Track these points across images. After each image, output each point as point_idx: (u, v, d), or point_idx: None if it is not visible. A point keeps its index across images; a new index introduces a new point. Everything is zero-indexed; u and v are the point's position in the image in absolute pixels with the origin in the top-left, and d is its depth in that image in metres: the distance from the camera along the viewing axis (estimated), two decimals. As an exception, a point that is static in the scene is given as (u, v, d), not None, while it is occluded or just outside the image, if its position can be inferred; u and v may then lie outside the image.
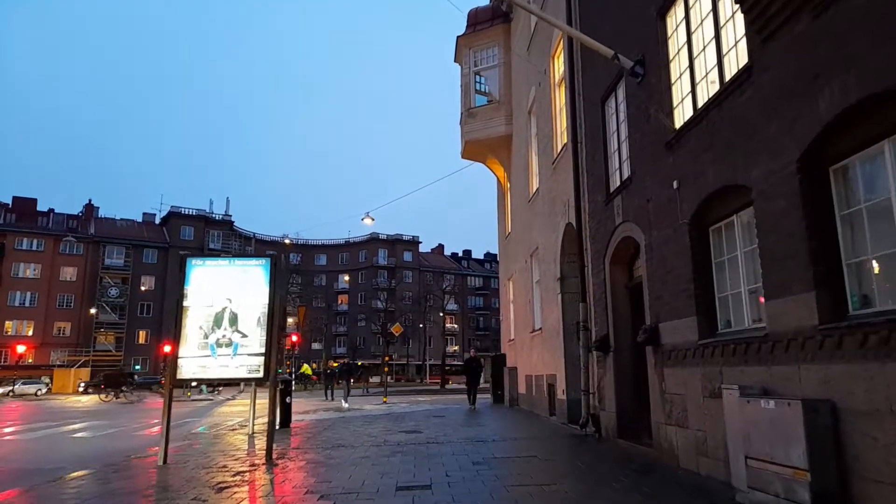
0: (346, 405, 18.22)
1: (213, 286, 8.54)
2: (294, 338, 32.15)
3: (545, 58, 13.31)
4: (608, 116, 9.34)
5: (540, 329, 14.03)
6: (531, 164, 15.23)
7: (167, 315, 66.88)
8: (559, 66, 12.48)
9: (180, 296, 8.33)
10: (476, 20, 18.58)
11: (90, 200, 70.89)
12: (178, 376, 8.16)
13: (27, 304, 60.34)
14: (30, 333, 59.58)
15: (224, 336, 8.56)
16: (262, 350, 8.41)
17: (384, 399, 22.30)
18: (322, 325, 69.62)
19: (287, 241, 34.81)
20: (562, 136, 12.24)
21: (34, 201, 67.57)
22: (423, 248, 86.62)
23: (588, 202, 10.10)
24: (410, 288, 78.25)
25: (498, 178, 20.32)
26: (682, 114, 6.72)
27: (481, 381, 18.25)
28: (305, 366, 30.91)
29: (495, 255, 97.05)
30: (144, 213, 72.36)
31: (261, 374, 8.42)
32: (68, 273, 62.88)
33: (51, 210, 68.68)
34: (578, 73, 10.51)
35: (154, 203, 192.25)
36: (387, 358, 23.65)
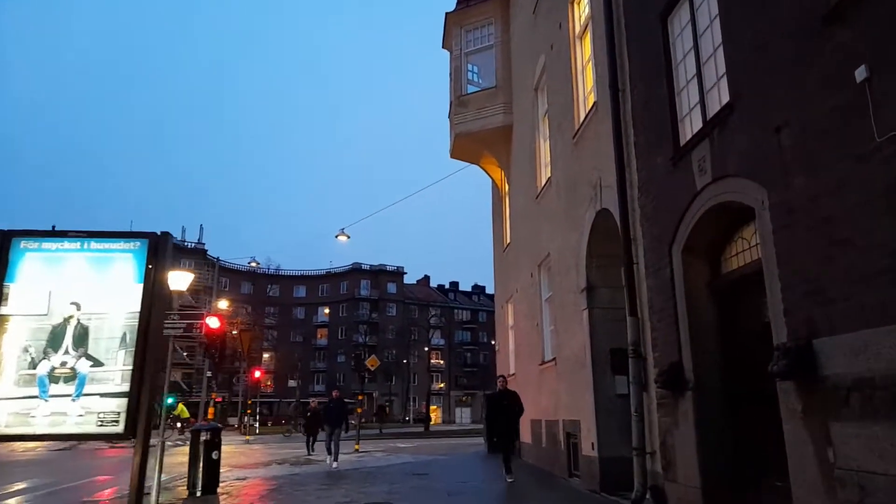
0: (335, 465, 13.02)
1: (52, 284, 5.20)
2: (257, 373, 28.54)
3: (560, 10, 10.39)
4: (674, 37, 6.31)
5: (553, 360, 10.77)
6: (539, 153, 12.18)
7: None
8: (581, 9, 9.54)
9: (-14, 294, 5.01)
10: (469, -6, 15.76)
11: (54, 227, 66.53)
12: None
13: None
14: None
15: (63, 364, 5.19)
16: (125, 388, 5.06)
17: (356, 446, 18.69)
18: (297, 362, 65.38)
19: (254, 262, 31.51)
20: (587, 100, 9.22)
21: (-7, 227, 63.42)
22: (408, 280, 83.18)
23: (638, 170, 7.00)
24: (394, 321, 74.47)
25: (493, 182, 17.25)
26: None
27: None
28: (182, 406, 26.34)
29: (483, 287, 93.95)
30: (113, 241, 68.36)
31: (120, 428, 5.03)
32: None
33: (12, 236, 64.56)
34: (618, -3, 7.55)
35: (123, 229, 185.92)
36: (360, 396, 20.06)
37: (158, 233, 5.20)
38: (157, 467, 8.59)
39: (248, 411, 29.47)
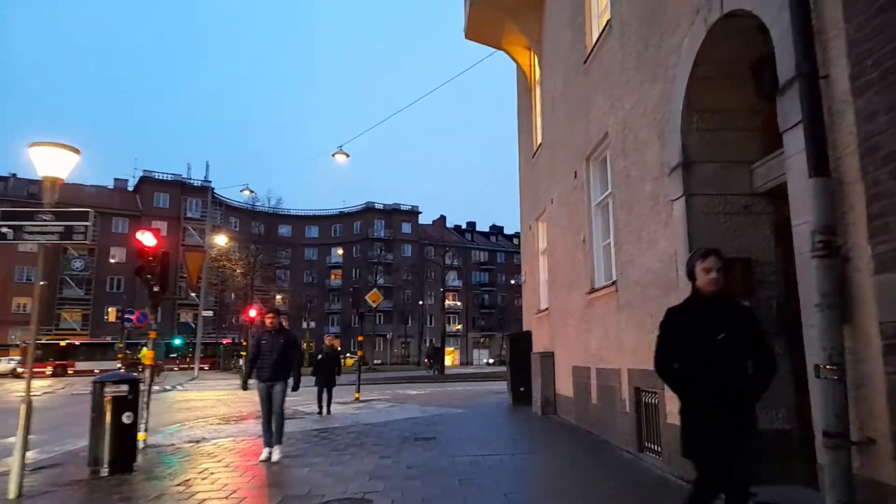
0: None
1: None
2: (252, 312, 25.81)
3: None
4: None
5: (612, 285, 7.55)
6: (590, -3, 8.62)
7: (140, 290, 60.98)
8: None
9: None
10: None
11: (55, 164, 63.93)
12: None
13: (-20, 278, 54.06)
14: (-15, 311, 53.52)
15: None
16: None
17: (356, 395, 15.92)
18: (306, 302, 63.23)
19: (248, 190, 28.36)
20: None
21: (-9, 164, 61.02)
22: (423, 220, 79.96)
23: None
24: (409, 262, 71.69)
25: (519, 69, 13.62)
26: None
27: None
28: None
29: (501, 227, 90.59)
30: (116, 179, 65.88)
31: None
32: (28, 244, 56.45)
33: (12, 175, 62.13)
34: None
35: (127, 168, 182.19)
36: (360, 338, 17.17)
37: None
38: (20, 430, 5.67)
39: (243, 353, 27.00)
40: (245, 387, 9.75)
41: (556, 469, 6.39)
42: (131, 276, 58.63)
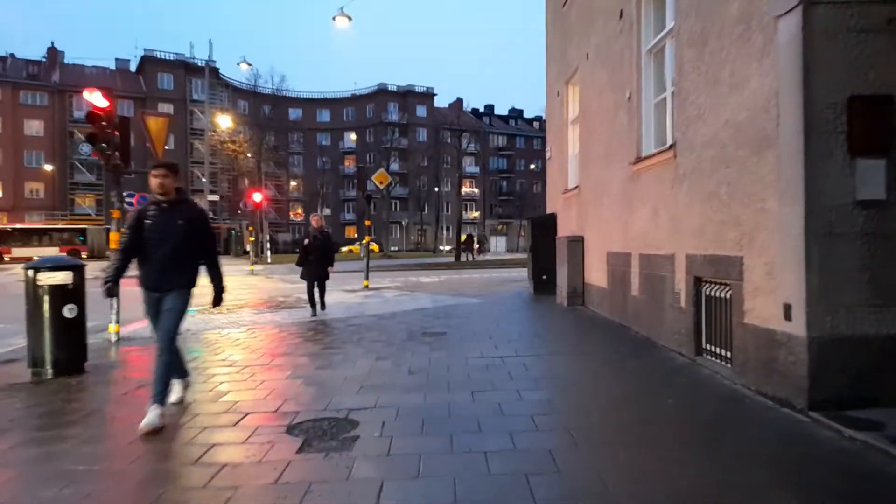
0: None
1: None
2: (257, 196, 24.43)
3: None
4: None
5: (669, 149, 5.94)
6: None
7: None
8: None
9: None
10: None
11: (53, 44, 60.99)
12: None
13: (-10, 161, 53.16)
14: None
15: None
16: None
17: (365, 282, 14.88)
18: (318, 188, 61.89)
19: (245, 64, 25.91)
20: None
21: (-13, 43, 58.13)
22: (438, 103, 76.35)
23: None
24: (424, 147, 69.24)
25: None
26: None
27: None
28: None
29: (521, 110, 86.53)
30: (117, 59, 62.67)
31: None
32: (34, 127, 55.05)
33: (10, 55, 59.31)
34: None
35: (127, 48, 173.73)
36: (367, 223, 15.92)
37: None
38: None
39: (251, 238, 26.04)
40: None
41: (594, 376, 5.15)
42: (141, 161, 57.20)
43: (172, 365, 4.07)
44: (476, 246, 41.19)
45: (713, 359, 5.07)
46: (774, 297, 4.07)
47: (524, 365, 5.45)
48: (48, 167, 53.71)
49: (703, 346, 5.27)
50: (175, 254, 4.06)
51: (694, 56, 5.37)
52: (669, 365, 5.34)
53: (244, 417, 3.98)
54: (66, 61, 59.56)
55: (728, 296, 4.77)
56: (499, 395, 4.37)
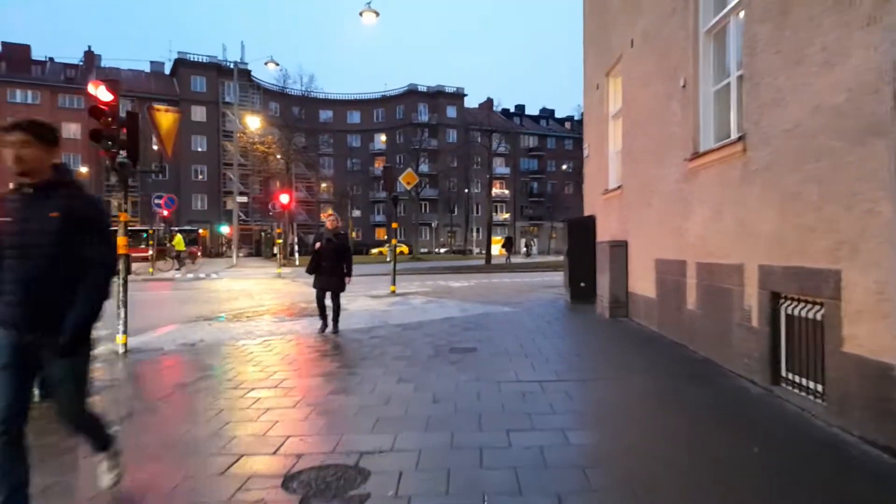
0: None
1: None
2: (284, 198, 24.05)
3: None
4: None
5: (738, 141, 5.11)
6: None
7: (184, 177, 60.53)
8: None
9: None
10: None
11: (90, 48, 62.10)
12: None
13: (27, 165, 54.18)
14: (36, 198, 54.10)
15: None
16: None
17: (392, 287, 14.25)
18: (347, 190, 61.81)
19: (272, 63, 25.57)
20: None
21: (27, 48, 59.58)
22: (469, 103, 75.61)
23: None
24: (454, 148, 68.54)
25: None
26: None
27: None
28: (178, 237, 25.23)
29: (552, 110, 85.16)
30: (152, 62, 63.69)
31: None
32: (72, 130, 56.08)
33: (48, 59, 60.69)
34: None
35: (162, 50, 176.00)
36: (394, 225, 15.28)
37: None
38: None
39: (278, 241, 25.62)
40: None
41: (652, 408, 4.37)
42: (175, 164, 58.14)
43: (94, 430, 2.85)
44: (524, 249, 41.00)
45: (797, 391, 4.25)
46: (888, 324, 3.26)
47: (567, 393, 4.70)
48: (83, 169, 54.66)
49: (783, 374, 4.44)
50: (48, 269, 2.41)
51: (769, 32, 4.56)
52: (742, 396, 4.53)
53: (237, 461, 3.33)
54: (102, 65, 60.65)
55: (818, 317, 3.95)
56: (540, 437, 3.62)
